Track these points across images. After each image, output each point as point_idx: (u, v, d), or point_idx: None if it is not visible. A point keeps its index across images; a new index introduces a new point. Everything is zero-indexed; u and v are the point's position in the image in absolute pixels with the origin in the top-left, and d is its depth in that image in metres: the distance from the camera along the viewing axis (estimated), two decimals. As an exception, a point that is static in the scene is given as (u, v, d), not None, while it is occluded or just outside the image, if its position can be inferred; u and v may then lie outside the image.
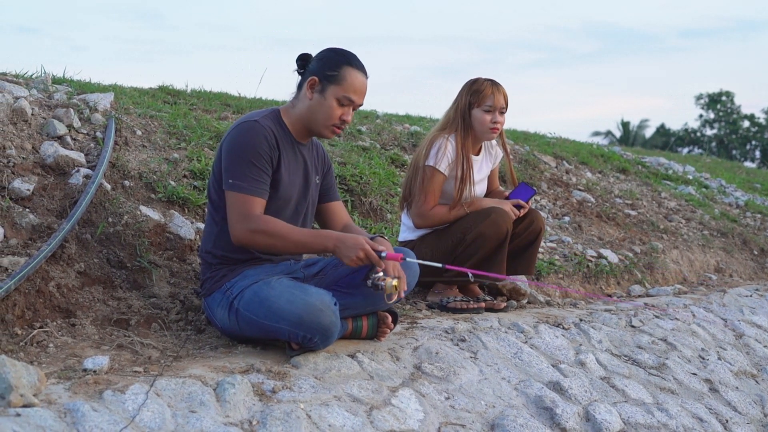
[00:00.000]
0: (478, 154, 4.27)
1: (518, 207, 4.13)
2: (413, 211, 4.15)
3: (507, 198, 4.22)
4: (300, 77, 3.22)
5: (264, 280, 3.04)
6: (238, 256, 3.15)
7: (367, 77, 3.18)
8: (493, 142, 4.36)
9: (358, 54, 3.19)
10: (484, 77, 4.18)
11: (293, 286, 2.97)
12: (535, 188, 4.14)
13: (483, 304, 4.12)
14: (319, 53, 3.19)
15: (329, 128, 3.18)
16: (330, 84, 3.10)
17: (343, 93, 3.11)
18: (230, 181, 2.98)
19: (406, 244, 4.22)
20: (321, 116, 3.14)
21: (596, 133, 41.03)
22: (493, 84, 4.14)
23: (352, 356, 3.08)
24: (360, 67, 3.16)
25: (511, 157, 4.39)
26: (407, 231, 4.25)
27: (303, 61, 3.20)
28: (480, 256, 4.00)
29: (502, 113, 4.14)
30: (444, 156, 4.06)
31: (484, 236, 3.97)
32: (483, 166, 4.28)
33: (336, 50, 3.18)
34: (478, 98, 4.11)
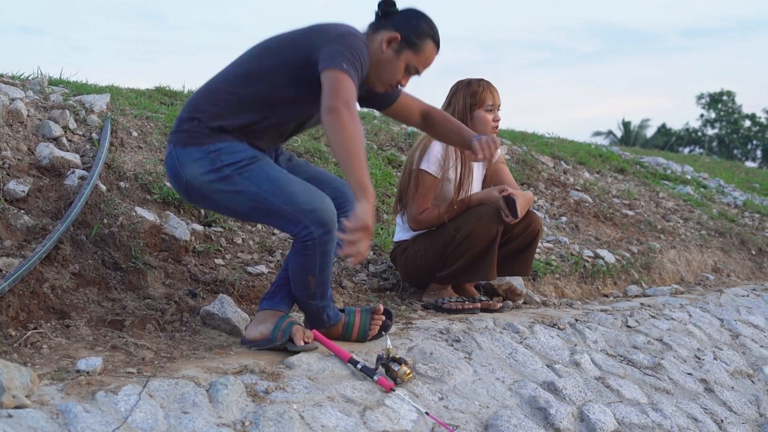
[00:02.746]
0: None
1: (508, 201, 4.04)
2: (407, 216, 4.16)
3: None
4: (378, 19, 3.17)
5: (268, 162, 3.03)
6: (230, 130, 3.02)
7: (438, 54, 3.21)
8: None
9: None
10: (474, 78, 4.23)
11: (306, 183, 3.01)
12: (518, 214, 3.99)
13: (479, 305, 4.12)
14: (409, 12, 3.15)
15: (385, 86, 3.19)
16: (408, 49, 3.10)
17: (416, 62, 3.13)
18: (344, 65, 2.87)
19: (400, 244, 4.24)
20: (385, 73, 3.13)
21: (597, 133, 41.08)
22: (488, 84, 4.21)
23: (346, 357, 3.08)
24: (439, 43, 3.18)
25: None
26: (402, 232, 4.27)
27: (388, 6, 3.15)
28: (470, 256, 4.00)
29: (498, 110, 4.19)
30: (436, 159, 4.08)
31: (474, 236, 3.97)
32: (475, 167, 4.29)
33: (426, 18, 3.16)
34: (478, 99, 4.16)
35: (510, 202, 3.94)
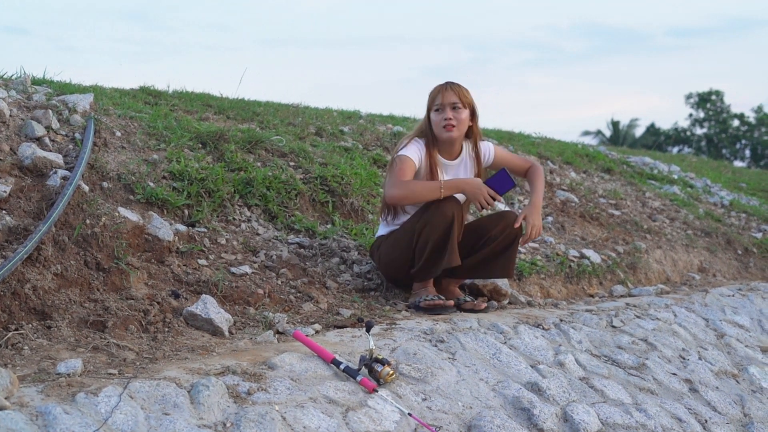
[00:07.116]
0: (455, 158, 4.26)
1: (498, 175, 4.11)
2: (387, 184, 4.12)
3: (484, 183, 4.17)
4: None
5: None
6: None
7: None
8: (483, 148, 4.34)
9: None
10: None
11: None
12: (514, 181, 4.08)
13: (452, 303, 4.11)
14: None
15: None
16: None
17: None
18: None
19: (377, 239, 4.32)
20: None
21: (586, 133, 41.07)
22: (444, 84, 4.19)
23: (329, 358, 3.07)
24: None
25: (483, 162, 4.37)
26: (382, 228, 4.33)
27: None
28: (433, 244, 4.01)
29: (454, 109, 4.13)
30: (414, 149, 4.14)
31: (431, 224, 3.99)
32: (461, 172, 4.27)
33: None
34: (431, 101, 4.20)
35: (500, 174, 4.06)
